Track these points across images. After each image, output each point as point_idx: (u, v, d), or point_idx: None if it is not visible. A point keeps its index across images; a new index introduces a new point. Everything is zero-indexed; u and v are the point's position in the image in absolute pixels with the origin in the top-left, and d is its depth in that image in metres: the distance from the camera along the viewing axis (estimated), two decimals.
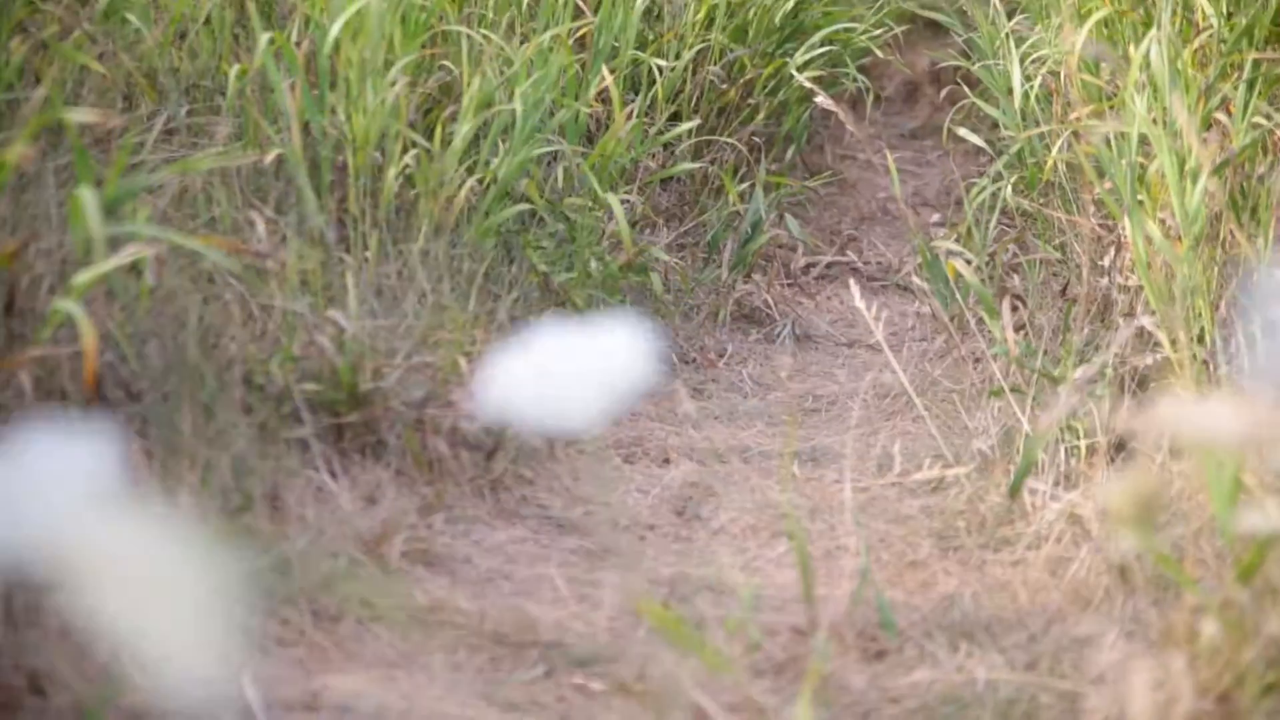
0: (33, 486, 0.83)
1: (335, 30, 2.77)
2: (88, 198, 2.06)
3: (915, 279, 3.47)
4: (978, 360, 3.01)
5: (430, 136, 2.94)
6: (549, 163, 3.26)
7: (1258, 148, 2.76)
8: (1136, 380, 2.62)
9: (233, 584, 0.79)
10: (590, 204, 3.17)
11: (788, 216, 3.72)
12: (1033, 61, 3.38)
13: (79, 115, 2.13)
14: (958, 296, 3.10)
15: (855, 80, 4.06)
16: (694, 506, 2.59)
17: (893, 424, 2.95)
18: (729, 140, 3.72)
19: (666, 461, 2.77)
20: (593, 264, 3.11)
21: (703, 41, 3.71)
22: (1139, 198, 2.69)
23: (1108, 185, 2.78)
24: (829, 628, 2.09)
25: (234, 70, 2.83)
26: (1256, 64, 2.85)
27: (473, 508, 2.46)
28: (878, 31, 4.15)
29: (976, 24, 3.67)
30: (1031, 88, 3.32)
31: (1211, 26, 2.90)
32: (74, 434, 0.85)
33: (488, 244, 2.94)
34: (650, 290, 3.28)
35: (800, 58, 3.79)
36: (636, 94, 3.53)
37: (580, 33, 3.43)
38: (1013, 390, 2.62)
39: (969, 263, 3.04)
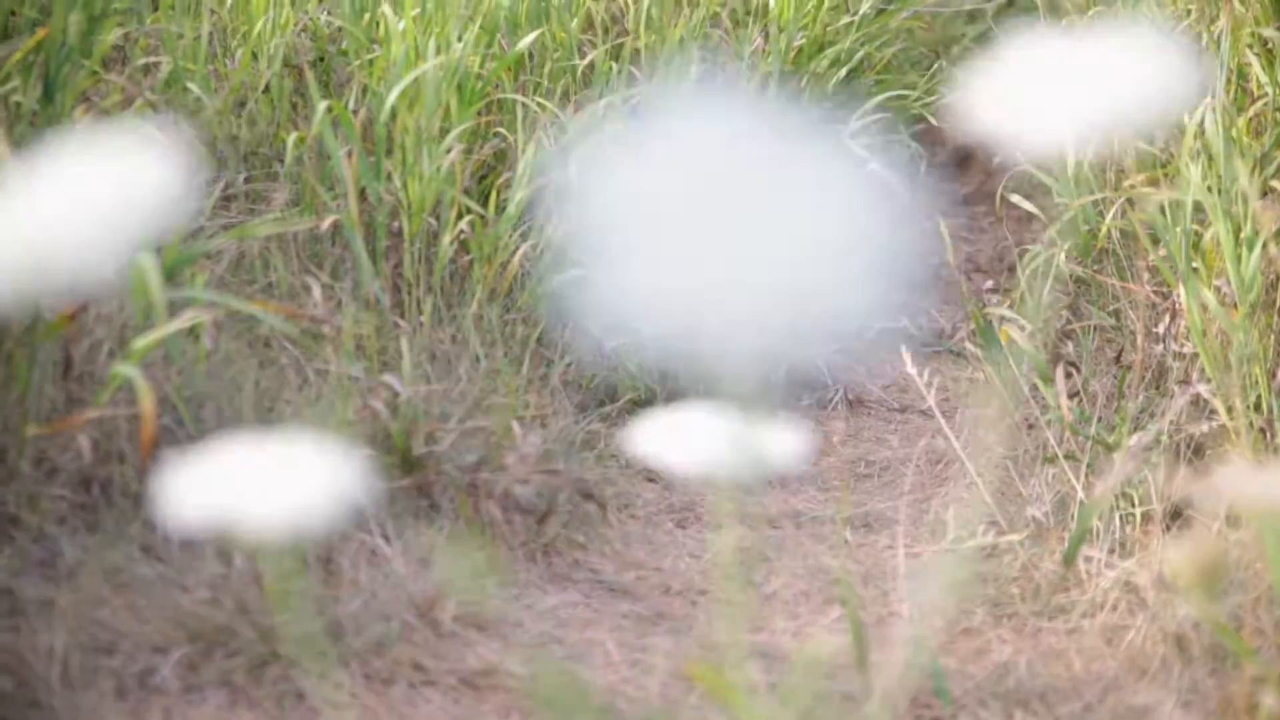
0: None
1: (392, 98, 2.80)
2: (148, 263, 2.09)
3: (968, 345, 3.46)
4: (1031, 427, 2.99)
5: (485, 203, 2.96)
6: None
7: None
8: (1192, 448, 2.60)
9: None
10: None
11: None
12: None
13: None
14: (1011, 363, 3.09)
15: (908, 147, 4.07)
16: (746, 572, 2.58)
17: (946, 490, 2.94)
18: None
19: (719, 526, 2.77)
20: None
21: None
22: (1194, 265, 2.68)
23: (1162, 252, 2.77)
24: (882, 695, 2.07)
25: (292, 138, 2.87)
26: None
27: (525, 572, 2.47)
28: (931, 99, 4.16)
29: None
30: (1085, 155, 3.32)
31: (1266, 95, 2.90)
32: None
33: (541, 309, 2.96)
34: None
35: (853, 125, 3.80)
36: None
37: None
38: (1067, 457, 2.60)
39: (1022, 329, 3.03)
